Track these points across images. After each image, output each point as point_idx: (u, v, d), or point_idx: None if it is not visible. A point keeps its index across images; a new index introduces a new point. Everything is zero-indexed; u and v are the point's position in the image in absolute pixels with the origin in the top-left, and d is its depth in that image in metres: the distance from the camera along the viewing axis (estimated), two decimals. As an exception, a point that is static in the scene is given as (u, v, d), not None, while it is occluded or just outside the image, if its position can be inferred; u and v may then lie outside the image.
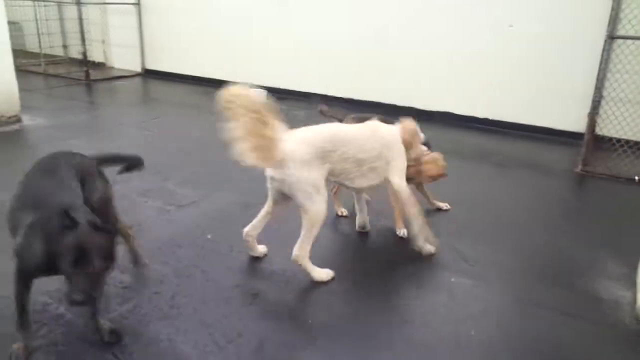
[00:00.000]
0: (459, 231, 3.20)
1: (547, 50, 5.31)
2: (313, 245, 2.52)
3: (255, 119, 2.25)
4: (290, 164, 2.40)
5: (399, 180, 2.75)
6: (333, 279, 2.57)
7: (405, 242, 3.00)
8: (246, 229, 2.71)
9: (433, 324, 2.29)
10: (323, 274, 2.57)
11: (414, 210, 2.77)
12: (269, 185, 2.59)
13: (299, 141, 2.46)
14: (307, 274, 2.54)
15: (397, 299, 2.48)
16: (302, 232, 2.50)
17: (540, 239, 3.18)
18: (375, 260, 2.87)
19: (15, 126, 5.04)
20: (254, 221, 2.72)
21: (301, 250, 2.50)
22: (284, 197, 2.57)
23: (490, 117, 5.79)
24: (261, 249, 2.78)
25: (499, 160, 4.72)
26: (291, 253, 2.52)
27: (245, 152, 2.26)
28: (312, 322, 2.26)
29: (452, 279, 2.64)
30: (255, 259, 2.75)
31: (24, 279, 1.85)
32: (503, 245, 3.06)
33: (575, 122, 5.16)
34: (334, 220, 3.27)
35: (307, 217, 2.47)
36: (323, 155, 2.49)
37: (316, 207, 2.46)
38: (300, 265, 2.53)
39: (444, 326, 2.27)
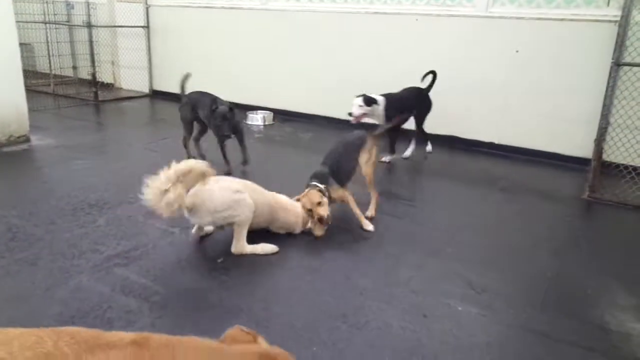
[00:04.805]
0: (465, 258, 3.16)
1: (553, 75, 5.33)
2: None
3: None
4: None
5: None
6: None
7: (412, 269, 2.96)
8: None
9: (441, 354, 2.25)
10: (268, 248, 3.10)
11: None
12: None
13: None
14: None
15: (403, 326, 2.45)
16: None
17: (547, 267, 3.13)
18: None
19: (24, 146, 5.08)
20: None
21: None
22: None
23: (496, 142, 5.80)
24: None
25: (505, 185, 4.69)
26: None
27: None
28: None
29: (459, 307, 2.61)
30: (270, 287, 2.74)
31: None
32: (510, 273, 3.02)
33: (582, 148, 5.16)
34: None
35: None
36: None
37: None
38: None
39: (452, 356, 2.23)
